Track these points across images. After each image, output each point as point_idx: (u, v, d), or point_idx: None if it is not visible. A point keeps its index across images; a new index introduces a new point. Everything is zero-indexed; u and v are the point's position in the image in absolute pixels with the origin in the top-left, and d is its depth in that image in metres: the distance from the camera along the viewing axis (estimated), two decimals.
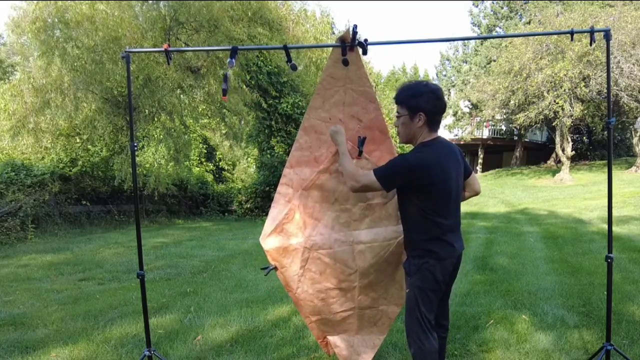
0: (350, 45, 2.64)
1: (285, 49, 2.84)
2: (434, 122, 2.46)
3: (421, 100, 2.40)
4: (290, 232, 2.83)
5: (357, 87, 2.75)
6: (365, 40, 2.65)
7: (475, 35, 30.28)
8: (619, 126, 22.53)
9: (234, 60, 2.78)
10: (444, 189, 2.42)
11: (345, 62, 2.65)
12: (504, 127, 29.60)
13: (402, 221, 2.60)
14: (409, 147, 2.58)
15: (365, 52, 2.72)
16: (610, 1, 20.57)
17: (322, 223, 2.83)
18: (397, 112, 2.51)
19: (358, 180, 2.47)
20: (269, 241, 2.84)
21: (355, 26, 2.61)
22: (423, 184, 2.38)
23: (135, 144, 3.09)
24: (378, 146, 2.81)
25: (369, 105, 2.78)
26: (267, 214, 2.92)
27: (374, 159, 2.79)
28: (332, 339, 3.05)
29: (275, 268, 2.88)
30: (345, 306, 2.93)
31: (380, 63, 69.46)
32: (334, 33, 16.96)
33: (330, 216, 2.82)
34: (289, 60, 2.80)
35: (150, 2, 11.20)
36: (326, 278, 2.85)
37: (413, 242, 2.53)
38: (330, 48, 2.80)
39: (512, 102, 20.69)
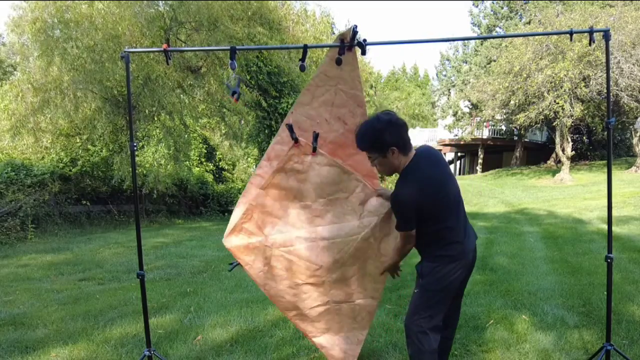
0: (349, 45, 2.63)
1: (284, 48, 2.85)
2: (405, 145, 2.46)
3: (385, 136, 2.39)
4: (250, 231, 2.83)
5: (348, 89, 2.73)
6: (364, 40, 2.64)
7: (475, 35, 30.26)
8: (619, 126, 22.50)
9: (235, 62, 2.77)
10: (442, 198, 2.46)
11: (339, 62, 2.64)
12: (504, 127, 29.58)
13: (416, 238, 2.62)
14: None
15: (364, 53, 2.71)
16: (610, 1, 20.56)
17: (282, 221, 2.84)
18: (368, 156, 2.52)
19: (406, 243, 2.58)
20: (230, 240, 2.85)
21: (355, 26, 2.61)
22: (428, 207, 2.42)
23: (135, 144, 3.09)
24: (359, 150, 2.81)
25: (356, 109, 2.77)
26: None
27: (354, 162, 2.79)
28: (317, 340, 3.04)
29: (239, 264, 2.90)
30: (319, 300, 2.93)
31: (380, 63, 69.44)
32: (334, 33, 16.96)
33: (290, 214, 2.83)
34: (303, 59, 2.79)
35: (150, 1, 11.19)
36: (293, 274, 2.87)
37: (425, 250, 2.57)
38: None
39: (512, 102, 20.67)
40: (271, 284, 2.89)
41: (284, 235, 2.83)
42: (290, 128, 2.73)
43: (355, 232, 2.81)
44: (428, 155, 2.54)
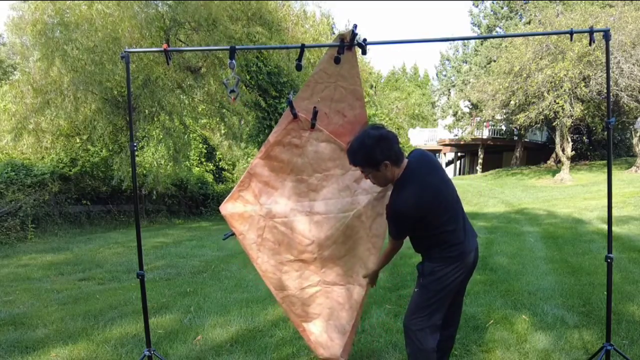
0: (348, 45, 2.64)
1: (282, 48, 2.87)
2: (397, 158, 2.47)
3: (377, 153, 2.41)
4: (246, 200, 2.87)
5: (347, 85, 2.76)
6: (364, 40, 2.65)
7: (475, 35, 30.26)
8: (619, 126, 22.50)
9: (234, 62, 2.77)
10: (440, 203, 2.47)
11: (337, 60, 2.66)
12: (504, 127, 29.57)
13: (415, 240, 2.65)
14: None
15: (364, 52, 2.73)
16: (610, 1, 20.55)
17: (278, 192, 2.87)
18: (363, 173, 2.55)
19: (394, 247, 2.64)
20: (226, 207, 2.89)
21: (355, 26, 2.62)
22: (425, 216, 2.45)
23: (135, 144, 3.09)
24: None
25: (355, 102, 2.81)
26: None
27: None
28: (307, 326, 3.06)
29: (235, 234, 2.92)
30: (311, 280, 2.95)
31: (380, 63, 69.45)
32: (333, 33, 16.98)
33: (286, 186, 2.87)
34: (299, 59, 2.80)
35: (149, 1, 11.20)
36: (285, 249, 2.89)
37: (426, 252, 2.58)
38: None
39: (512, 102, 20.66)
40: (263, 257, 2.92)
41: (279, 206, 2.87)
42: (290, 104, 2.76)
43: (348, 208, 2.85)
44: (421, 161, 2.55)
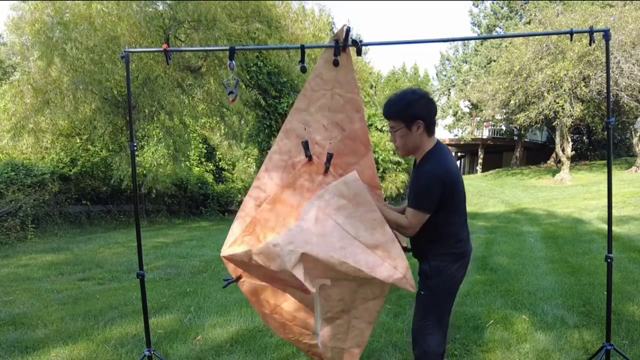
0: (343, 46, 2.56)
1: (281, 49, 2.84)
2: (432, 126, 2.41)
3: (416, 108, 2.33)
4: (251, 245, 2.68)
5: (344, 93, 2.64)
6: (360, 40, 2.63)
7: (475, 35, 30.27)
8: (619, 126, 22.52)
9: (234, 63, 2.75)
10: (462, 191, 2.43)
11: (336, 63, 2.56)
12: (504, 127, 29.62)
13: (422, 230, 2.50)
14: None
15: (359, 53, 2.66)
16: (610, 1, 20.55)
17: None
18: (391, 126, 2.42)
19: (412, 226, 2.39)
20: (228, 251, 2.70)
21: (348, 28, 2.56)
22: (451, 194, 2.35)
23: (135, 144, 3.08)
24: (359, 160, 2.69)
25: (354, 114, 2.65)
26: None
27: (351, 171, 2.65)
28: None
29: (237, 279, 2.79)
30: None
31: (380, 63, 69.43)
32: (332, 32, 16.98)
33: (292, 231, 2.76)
34: (302, 60, 2.76)
35: (148, 0, 11.20)
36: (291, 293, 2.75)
37: (429, 248, 2.47)
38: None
39: (512, 102, 20.69)
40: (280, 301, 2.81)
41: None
42: (305, 145, 2.64)
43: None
44: (445, 148, 2.51)
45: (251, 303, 2.88)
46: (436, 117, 2.46)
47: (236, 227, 2.73)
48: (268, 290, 2.78)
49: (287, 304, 2.76)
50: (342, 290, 2.64)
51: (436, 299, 2.45)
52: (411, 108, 2.33)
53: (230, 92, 2.83)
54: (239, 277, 2.80)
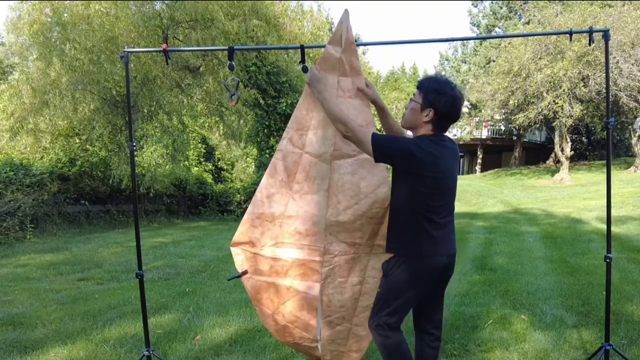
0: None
1: (280, 48, 2.84)
2: (441, 125, 2.39)
3: (441, 99, 2.32)
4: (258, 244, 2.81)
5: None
6: (356, 40, 2.64)
7: (474, 35, 30.30)
8: (618, 126, 22.53)
9: (234, 63, 2.75)
10: (442, 185, 2.36)
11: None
12: (503, 127, 29.63)
13: (390, 215, 2.50)
14: None
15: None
16: (609, 1, 20.56)
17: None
18: (414, 95, 2.43)
19: (351, 128, 2.36)
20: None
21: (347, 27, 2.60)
22: (423, 174, 2.30)
23: (134, 144, 3.08)
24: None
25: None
26: None
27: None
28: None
29: (243, 274, 2.80)
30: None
31: (380, 63, 69.44)
32: (332, 31, 16.98)
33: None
34: (302, 61, 2.77)
35: (145, 0, 11.20)
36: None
37: (397, 238, 2.42)
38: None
39: (511, 102, 20.69)
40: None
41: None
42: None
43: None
44: (452, 144, 2.47)
45: (253, 302, 2.88)
46: (454, 122, 2.44)
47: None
48: (272, 288, 2.79)
49: (291, 302, 2.76)
50: (343, 297, 2.66)
51: (389, 293, 2.44)
52: (437, 95, 2.32)
53: (232, 95, 2.82)
54: (245, 272, 2.81)
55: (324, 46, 2.70)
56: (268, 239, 2.74)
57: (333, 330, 2.75)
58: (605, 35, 2.75)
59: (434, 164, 2.30)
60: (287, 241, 2.71)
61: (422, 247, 2.36)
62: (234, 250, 2.81)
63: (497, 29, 29.89)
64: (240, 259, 2.81)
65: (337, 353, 2.80)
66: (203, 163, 18.57)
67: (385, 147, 2.33)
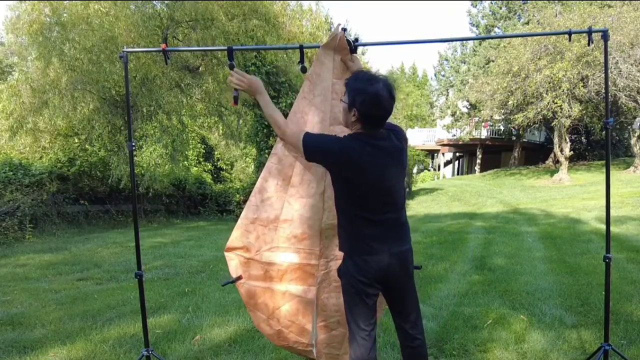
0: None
1: (280, 49, 2.83)
2: (370, 123, 2.27)
3: (358, 99, 2.22)
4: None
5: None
6: (356, 40, 2.64)
7: (473, 35, 30.30)
8: (617, 126, 22.54)
9: (234, 63, 2.74)
10: (371, 184, 2.26)
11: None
12: (502, 128, 29.63)
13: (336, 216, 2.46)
14: None
15: (353, 52, 2.67)
16: (609, 1, 20.57)
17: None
18: (343, 95, 2.36)
19: (285, 131, 2.40)
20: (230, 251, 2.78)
21: (344, 28, 2.58)
22: (348, 175, 2.26)
23: (133, 144, 3.07)
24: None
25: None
26: None
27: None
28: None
29: (237, 279, 2.77)
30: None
31: (379, 63, 69.46)
32: (330, 30, 16.97)
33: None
34: (302, 61, 2.77)
35: (145, 0, 11.20)
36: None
37: (340, 237, 2.41)
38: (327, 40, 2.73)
39: (510, 102, 20.67)
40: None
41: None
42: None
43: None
44: (389, 142, 2.33)
45: (248, 307, 2.83)
46: (385, 118, 2.30)
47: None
48: (267, 293, 2.77)
49: (286, 307, 2.75)
50: (338, 302, 2.67)
51: (345, 300, 2.38)
52: (356, 95, 2.23)
53: (236, 96, 2.81)
54: (239, 278, 2.79)
55: (317, 46, 2.71)
56: (263, 244, 2.72)
57: (328, 334, 2.76)
58: (605, 35, 2.75)
59: (355, 163, 2.23)
60: (282, 245, 2.69)
61: (355, 245, 2.32)
62: (228, 255, 2.79)
63: (496, 29, 29.86)
64: (234, 264, 2.79)
65: (332, 356, 2.81)
66: (202, 163, 18.58)
67: (313, 148, 2.31)
